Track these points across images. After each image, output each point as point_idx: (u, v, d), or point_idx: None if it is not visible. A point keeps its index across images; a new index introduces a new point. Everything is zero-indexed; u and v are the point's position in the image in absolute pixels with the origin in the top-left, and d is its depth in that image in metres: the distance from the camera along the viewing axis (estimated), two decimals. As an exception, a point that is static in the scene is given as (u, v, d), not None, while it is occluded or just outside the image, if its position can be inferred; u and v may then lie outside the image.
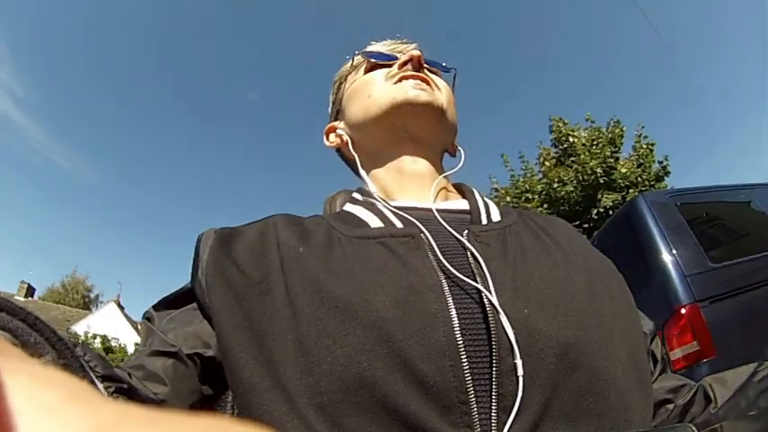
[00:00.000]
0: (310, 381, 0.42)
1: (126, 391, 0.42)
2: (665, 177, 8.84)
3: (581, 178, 8.54)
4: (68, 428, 0.11)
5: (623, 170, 8.49)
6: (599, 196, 8.43)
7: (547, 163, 9.12)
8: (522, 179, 9.46)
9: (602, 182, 8.45)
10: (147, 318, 0.54)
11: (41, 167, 58.98)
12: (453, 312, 0.45)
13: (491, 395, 0.42)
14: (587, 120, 9.36)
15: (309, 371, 0.42)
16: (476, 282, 0.47)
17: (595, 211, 8.36)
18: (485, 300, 0.46)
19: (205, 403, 0.51)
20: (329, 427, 0.40)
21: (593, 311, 0.49)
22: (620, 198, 8.14)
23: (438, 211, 0.58)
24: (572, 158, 8.86)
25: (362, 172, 0.67)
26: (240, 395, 0.44)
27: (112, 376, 0.41)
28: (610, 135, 8.90)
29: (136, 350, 0.52)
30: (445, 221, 0.55)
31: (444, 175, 0.67)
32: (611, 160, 8.60)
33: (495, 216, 0.59)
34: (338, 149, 0.76)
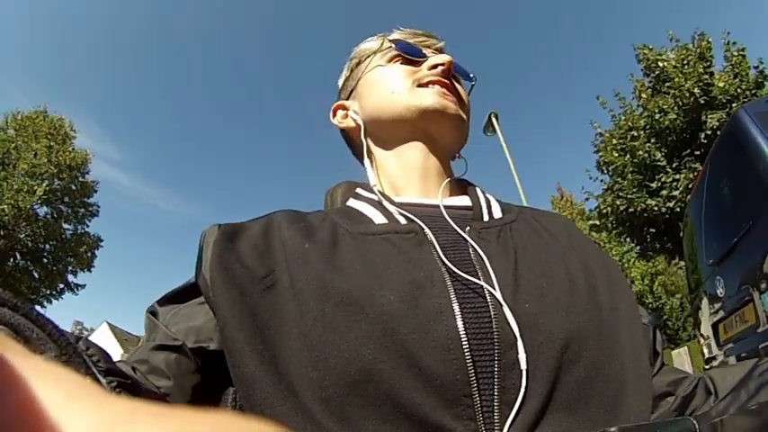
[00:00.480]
0: (315, 375, 0.42)
1: (129, 386, 0.41)
2: (766, 82, 8.22)
3: (680, 103, 8.17)
4: (78, 426, 0.11)
5: (720, 84, 8.01)
6: (703, 118, 8.02)
7: (643, 95, 8.79)
8: (623, 118, 9.18)
9: (702, 102, 8.01)
10: (152, 312, 0.54)
11: (151, 216, 65.26)
12: (456, 307, 0.45)
13: (494, 388, 0.43)
14: (671, 39, 8.86)
15: (314, 365, 0.43)
16: (477, 277, 0.48)
17: (703, 134, 7.99)
18: (486, 294, 0.47)
19: (208, 397, 0.51)
20: (335, 421, 0.41)
21: (592, 305, 0.50)
22: (724, 115, 7.67)
23: (445, 207, 0.59)
24: (667, 84, 8.47)
25: (367, 162, 0.67)
26: (243, 389, 0.44)
27: (115, 371, 0.41)
28: (698, 50, 8.39)
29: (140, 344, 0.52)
30: (449, 218, 0.56)
31: (451, 179, 0.67)
32: (706, 77, 8.13)
33: (497, 213, 0.60)
34: (344, 130, 0.74)
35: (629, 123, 9.00)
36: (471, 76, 0.72)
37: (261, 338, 0.45)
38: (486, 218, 0.59)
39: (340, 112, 0.73)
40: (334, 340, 0.44)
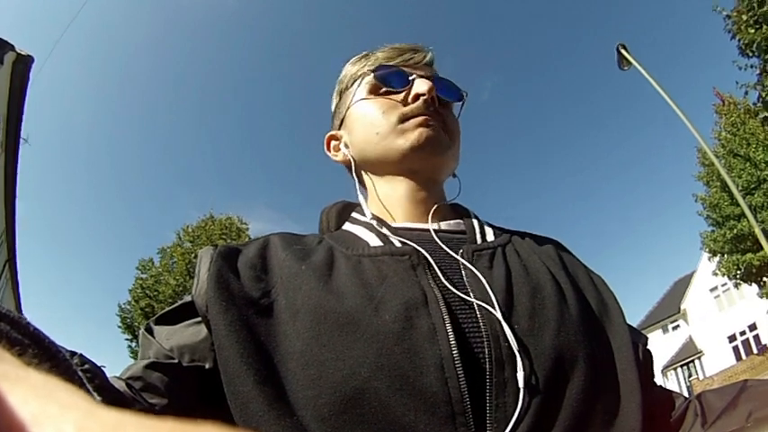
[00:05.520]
0: (311, 393, 0.43)
1: (123, 403, 0.42)
2: None
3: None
4: None
5: None
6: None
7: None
8: None
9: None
10: (147, 330, 0.53)
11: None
12: (450, 327, 0.46)
13: (488, 406, 0.44)
14: None
15: (311, 383, 0.43)
16: (470, 297, 0.50)
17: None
18: (479, 315, 0.49)
19: (203, 416, 0.46)
20: None
21: (584, 326, 0.52)
22: None
23: (436, 231, 0.60)
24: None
25: (360, 193, 0.68)
26: (239, 408, 0.44)
27: (109, 387, 0.42)
28: None
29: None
30: (442, 241, 0.58)
31: (442, 203, 0.67)
32: None
33: (490, 236, 0.62)
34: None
35: None
36: (462, 94, 0.71)
37: (258, 357, 0.45)
38: (479, 241, 0.60)
39: (333, 143, 0.74)
40: (330, 359, 0.44)
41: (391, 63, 0.68)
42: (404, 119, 0.64)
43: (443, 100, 0.68)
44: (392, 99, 0.66)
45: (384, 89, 0.67)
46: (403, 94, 0.66)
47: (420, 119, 0.63)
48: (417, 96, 0.64)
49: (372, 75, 0.68)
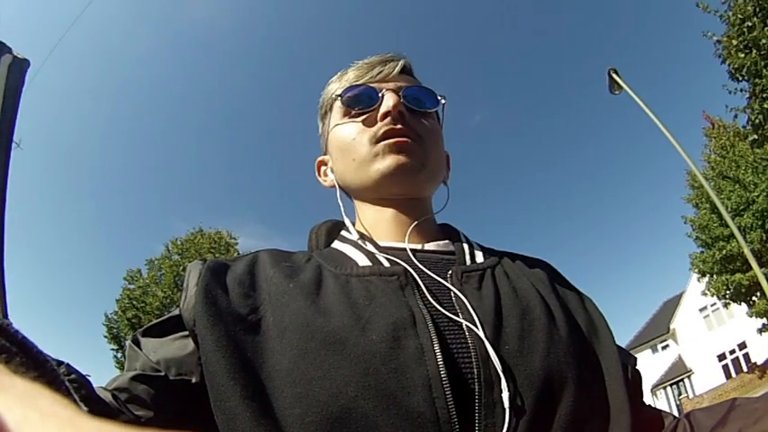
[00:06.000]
0: (298, 411, 0.43)
1: (108, 414, 0.42)
2: None
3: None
4: None
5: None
6: None
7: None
8: (731, 14, 8.08)
9: None
10: (134, 341, 0.53)
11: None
12: (437, 347, 0.46)
13: (476, 427, 0.44)
14: None
15: (297, 401, 0.43)
16: (459, 318, 0.50)
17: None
18: (467, 335, 0.49)
19: (187, 430, 0.49)
20: None
21: (573, 347, 0.52)
22: None
23: (424, 251, 0.61)
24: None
25: (347, 219, 0.67)
26: (226, 422, 0.44)
27: (95, 398, 0.41)
28: None
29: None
30: (431, 261, 0.59)
31: (426, 217, 0.67)
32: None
33: (479, 257, 0.62)
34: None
35: (740, 15, 7.97)
36: (438, 99, 0.70)
37: (245, 373, 0.45)
38: (468, 262, 0.60)
39: (322, 168, 0.74)
40: (316, 377, 0.44)
41: (360, 82, 0.68)
42: (376, 140, 0.63)
43: (418, 110, 0.67)
44: (364, 120, 0.66)
45: (355, 110, 0.66)
46: (373, 112, 0.65)
47: (391, 141, 0.62)
48: (386, 114, 0.63)
49: (338, 99, 0.68)
